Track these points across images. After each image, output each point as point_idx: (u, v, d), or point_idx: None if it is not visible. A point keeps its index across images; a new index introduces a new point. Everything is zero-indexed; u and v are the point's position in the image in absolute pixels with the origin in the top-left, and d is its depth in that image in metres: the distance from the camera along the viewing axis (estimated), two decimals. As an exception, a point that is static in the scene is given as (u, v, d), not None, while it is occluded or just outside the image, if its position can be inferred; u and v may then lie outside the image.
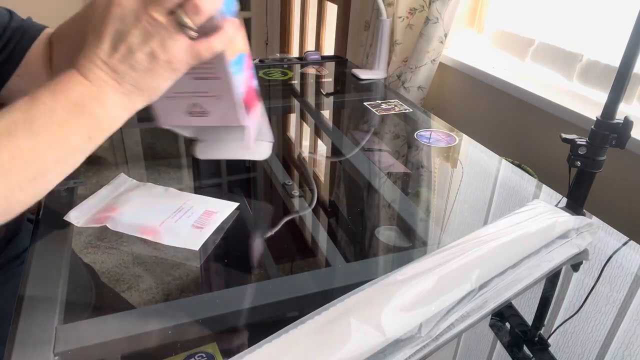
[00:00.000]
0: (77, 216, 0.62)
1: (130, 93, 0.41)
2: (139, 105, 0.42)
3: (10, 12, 0.61)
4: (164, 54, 0.40)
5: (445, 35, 1.36)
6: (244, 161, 1.01)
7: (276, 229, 0.69)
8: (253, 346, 0.41)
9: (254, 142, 0.56)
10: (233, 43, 0.46)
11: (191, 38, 0.40)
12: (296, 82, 1.32)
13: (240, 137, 0.53)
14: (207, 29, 0.41)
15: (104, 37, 0.39)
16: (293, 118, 1.18)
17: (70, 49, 0.55)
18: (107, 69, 0.40)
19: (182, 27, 0.39)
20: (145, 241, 0.60)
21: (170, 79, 0.42)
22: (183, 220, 0.63)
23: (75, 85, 0.39)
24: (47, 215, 0.64)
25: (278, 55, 1.64)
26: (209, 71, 0.46)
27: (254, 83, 0.52)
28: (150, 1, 0.38)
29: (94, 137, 0.41)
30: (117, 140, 1.03)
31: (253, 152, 0.57)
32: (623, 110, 1.01)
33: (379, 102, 1.16)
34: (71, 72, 0.40)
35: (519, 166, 0.91)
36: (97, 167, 0.89)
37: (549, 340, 0.52)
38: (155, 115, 0.50)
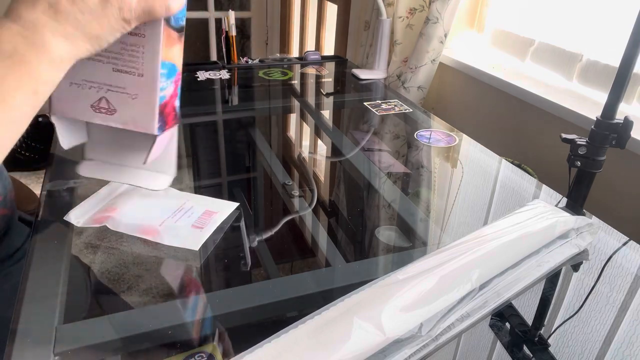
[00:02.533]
0: (77, 216, 0.62)
1: (74, 38, 0.37)
2: (82, 53, 0.38)
3: None
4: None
5: (445, 35, 1.36)
6: (244, 161, 1.01)
7: (276, 229, 0.69)
8: (253, 346, 0.41)
9: (152, 165, 0.49)
10: (171, 45, 0.42)
11: None
12: (296, 82, 1.32)
13: (137, 159, 0.47)
14: None
15: None
16: (293, 118, 1.18)
17: None
18: (49, 12, 0.35)
19: None
20: (145, 241, 0.60)
21: (115, 30, 0.38)
22: (183, 220, 0.63)
23: (5, 35, 0.35)
24: (47, 215, 0.64)
25: (278, 55, 1.64)
26: (135, 65, 0.42)
27: (177, 104, 0.47)
28: None
29: (39, 90, 0.37)
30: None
31: (149, 181, 0.51)
32: (623, 110, 1.01)
33: (379, 102, 1.16)
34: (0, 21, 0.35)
35: (519, 166, 0.91)
36: (97, 167, 0.89)
37: (549, 340, 0.52)
38: (51, 101, 0.43)
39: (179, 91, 0.46)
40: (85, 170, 0.51)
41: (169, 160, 0.50)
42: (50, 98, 0.43)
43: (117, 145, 0.50)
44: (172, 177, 0.51)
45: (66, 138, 0.48)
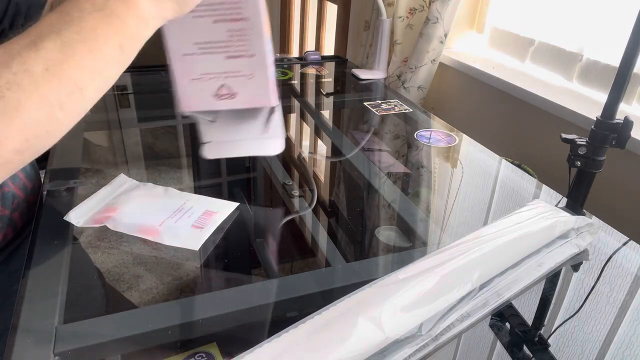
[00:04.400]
0: (77, 216, 0.62)
1: None
2: (169, 13, 0.40)
3: None
4: None
5: (445, 35, 1.36)
6: (244, 161, 1.01)
7: (276, 229, 0.69)
8: (253, 346, 0.41)
9: (274, 131, 0.54)
10: (266, 21, 0.45)
11: None
12: (296, 82, 1.32)
13: (250, 131, 0.52)
14: None
15: None
16: (293, 118, 1.18)
17: None
18: None
19: None
20: (145, 241, 0.60)
21: None
22: (183, 220, 0.63)
23: None
24: (47, 215, 0.64)
25: (278, 55, 1.64)
26: (245, 47, 0.45)
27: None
28: None
29: (125, 45, 0.38)
30: (117, 140, 1.03)
31: (266, 148, 0.55)
32: (623, 110, 1.01)
33: (379, 102, 1.16)
34: None
35: (519, 166, 0.91)
36: (97, 167, 0.89)
37: (549, 340, 0.52)
38: (178, 99, 0.48)
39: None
40: (208, 153, 0.54)
41: (278, 124, 0.54)
42: (178, 96, 0.47)
43: (229, 124, 0.54)
44: (284, 139, 0.55)
45: (207, 118, 0.53)
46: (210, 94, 0.47)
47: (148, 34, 0.39)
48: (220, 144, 0.55)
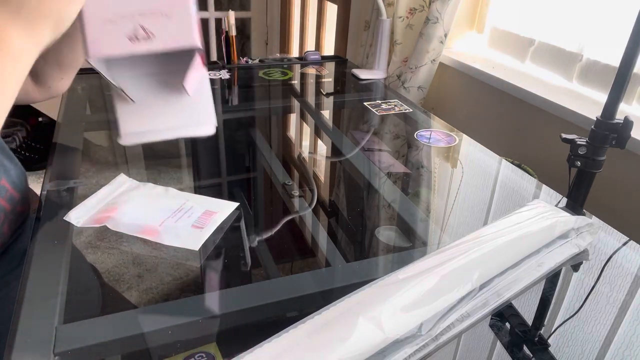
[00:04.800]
0: (77, 216, 0.62)
1: (33, 23, 0.36)
2: (46, 39, 0.38)
3: None
4: None
5: (445, 35, 1.36)
6: (244, 161, 1.01)
7: (276, 229, 0.69)
8: (253, 346, 0.41)
9: (203, 117, 0.49)
10: None
11: None
12: (296, 82, 1.32)
13: (185, 114, 0.47)
14: None
15: None
16: (293, 118, 1.18)
17: None
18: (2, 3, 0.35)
19: None
20: (145, 241, 0.60)
21: (75, 3, 0.38)
22: (183, 220, 0.63)
23: None
24: (47, 215, 0.64)
25: (278, 55, 1.64)
26: None
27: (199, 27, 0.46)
28: None
29: (12, 71, 0.36)
30: (117, 140, 1.03)
31: (193, 131, 0.50)
32: (623, 110, 1.01)
33: (379, 102, 1.16)
34: None
35: (519, 166, 0.91)
36: (97, 167, 0.89)
37: (549, 340, 0.52)
38: (86, 45, 0.42)
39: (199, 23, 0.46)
40: (125, 140, 0.50)
41: (208, 107, 0.50)
42: (86, 42, 0.42)
43: (149, 108, 0.49)
44: (214, 125, 0.50)
45: (114, 77, 0.47)
46: (124, 37, 0.42)
47: (29, 62, 0.37)
48: (139, 133, 0.50)
